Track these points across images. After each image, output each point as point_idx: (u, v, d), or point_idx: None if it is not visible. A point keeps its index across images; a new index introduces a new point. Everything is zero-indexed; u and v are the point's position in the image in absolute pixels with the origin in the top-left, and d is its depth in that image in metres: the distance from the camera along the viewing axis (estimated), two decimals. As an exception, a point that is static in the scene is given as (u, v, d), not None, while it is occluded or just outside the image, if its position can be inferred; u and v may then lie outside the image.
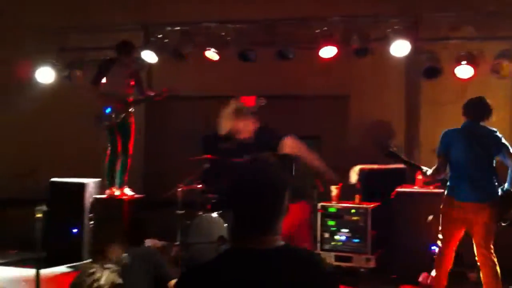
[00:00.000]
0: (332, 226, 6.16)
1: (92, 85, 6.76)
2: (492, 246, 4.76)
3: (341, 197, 6.40)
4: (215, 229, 6.34)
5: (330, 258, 6.06)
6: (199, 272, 1.83)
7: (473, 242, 4.82)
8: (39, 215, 5.03)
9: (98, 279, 2.32)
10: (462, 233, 4.89)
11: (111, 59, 6.83)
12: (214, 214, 6.47)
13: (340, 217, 6.15)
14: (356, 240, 6.04)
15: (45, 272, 6.13)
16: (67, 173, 7.34)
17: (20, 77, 7.99)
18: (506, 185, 4.83)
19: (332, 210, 6.21)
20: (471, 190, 4.77)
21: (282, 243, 1.83)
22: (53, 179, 7.03)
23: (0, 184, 8.33)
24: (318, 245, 6.18)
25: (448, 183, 4.93)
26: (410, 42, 6.78)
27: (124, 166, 6.87)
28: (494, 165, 4.90)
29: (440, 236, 4.94)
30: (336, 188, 6.38)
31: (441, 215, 4.92)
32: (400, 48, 6.77)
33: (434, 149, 7.26)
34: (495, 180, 4.84)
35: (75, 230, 6.80)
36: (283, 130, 7.81)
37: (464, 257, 6.59)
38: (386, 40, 6.86)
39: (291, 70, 7.76)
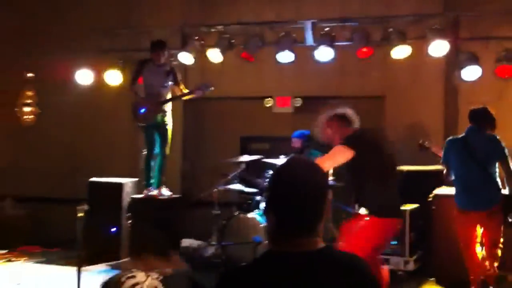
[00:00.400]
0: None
1: (129, 86, 6.86)
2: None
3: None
4: (251, 230, 6.37)
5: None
6: (238, 275, 1.83)
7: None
8: (80, 214, 5.15)
9: (139, 283, 2.31)
10: (475, 232, 4.94)
11: (146, 59, 6.92)
12: (250, 215, 6.50)
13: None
14: (394, 242, 5.97)
15: (85, 270, 6.27)
16: (107, 173, 7.48)
17: (63, 79, 8.17)
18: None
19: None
20: (469, 198, 4.93)
21: (323, 245, 1.82)
22: (92, 179, 7.17)
23: (42, 184, 8.55)
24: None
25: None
26: (450, 42, 6.67)
27: (161, 166, 6.94)
28: (495, 170, 4.97)
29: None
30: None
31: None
32: (439, 48, 6.66)
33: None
34: (495, 186, 4.90)
35: (113, 230, 6.91)
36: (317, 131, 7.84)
37: (507, 261, 6.49)
38: (424, 40, 6.77)
39: (327, 71, 7.73)
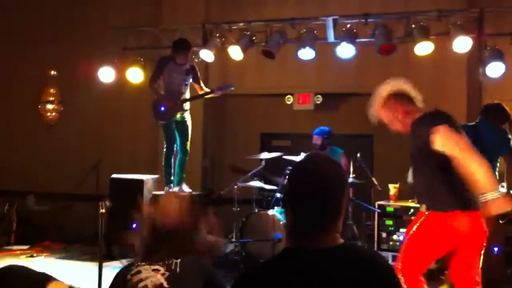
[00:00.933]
0: (390, 226, 6.06)
1: (150, 84, 6.89)
2: None
3: (400, 197, 6.28)
4: (270, 227, 6.36)
5: (387, 258, 5.96)
6: (256, 274, 1.82)
7: None
8: (102, 211, 5.18)
9: (143, 279, 2.26)
10: None
11: (166, 57, 6.94)
12: (270, 212, 6.49)
13: (398, 217, 6.04)
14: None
15: (106, 265, 6.33)
16: (128, 170, 7.54)
17: (85, 76, 8.26)
18: None
19: (390, 209, 6.11)
20: None
21: (341, 241, 1.80)
22: (113, 176, 7.22)
23: (65, 180, 8.66)
24: (375, 244, 6.09)
25: None
26: (473, 38, 6.57)
27: (182, 163, 6.96)
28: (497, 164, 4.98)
29: None
30: (395, 187, 6.27)
31: None
32: (462, 44, 6.56)
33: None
34: None
35: (134, 226, 6.93)
36: (337, 128, 7.81)
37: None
38: (447, 36, 6.68)
39: (348, 68, 7.68)
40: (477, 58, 6.89)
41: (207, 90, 7.00)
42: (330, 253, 1.75)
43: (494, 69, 6.54)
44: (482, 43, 6.72)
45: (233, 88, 6.92)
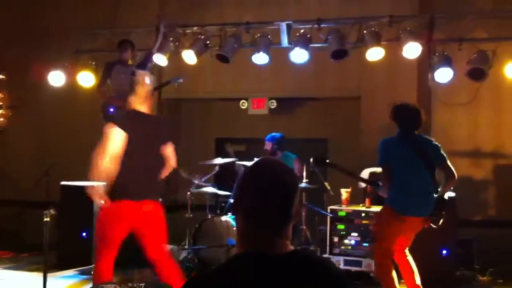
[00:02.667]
0: (342, 230, 6.09)
1: (97, 89, 6.82)
2: None
3: (351, 201, 6.33)
4: (224, 233, 6.33)
5: (339, 262, 6.00)
6: (205, 279, 1.77)
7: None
8: (47, 219, 5.06)
9: None
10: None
11: (111, 61, 6.87)
12: (224, 217, 6.45)
13: (350, 221, 6.08)
14: (366, 244, 5.97)
15: (53, 275, 6.18)
16: (81, 176, 7.36)
17: (37, 79, 8.07)
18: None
19: (342, 214, 6.14)
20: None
21: (292, 247, 1.79)
22: (63, 182, 7.06)
23: (14, 187, 8.43)
24: (328, 249, 6.12)
25: None
26: (423, 44, 6.69)
27: None
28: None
29: None
30: (346, 191, 6.31)
31: None
32: (412, 49, 6.67)
33: (447, 151, 7.21)
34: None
35: (84, 234, 6.82)
36: (292, 132, 7.84)
37: (476, 261, 6.54)
38: (398, 42, 6.78)
39: (303, 72, 7.72)
40: (426, 63, 7.01)
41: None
42: (281, 259, 1.73)
43: (443, 74, 6.67)
44: (431, 49, 6.85)
45: (181, 81, 6.87)
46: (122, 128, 4.25)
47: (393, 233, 4.76)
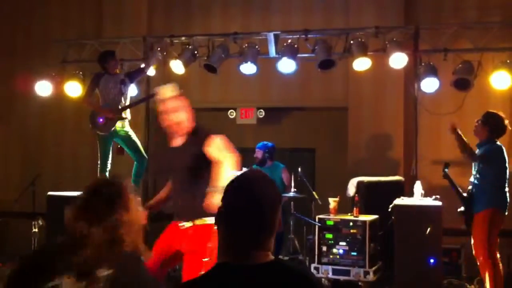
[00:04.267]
0: (330, 239, 6.10)
1: (84, 99, 6.81)
2: None
3: (339, 210, 6.35)
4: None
5: (328, 271, 6.01)
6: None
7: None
8: (35, 230, 5.05)
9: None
10: None
11: (99, 72, 6.86)
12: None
13: (338, 230, 6.08)
14: (354, 253, 5.98)
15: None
16: (69, 186, 7.31)
17: (24, 90, 8.03)
18: None
19: (330, 223, 6.15)
20: None
21: (272, 257, 1.81)
22: (50, 193, 6.99)
23: (1, 196, 8.35)
24: (316, 258, 6.13)
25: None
26: (409, 54, 6.77)
27: (138, 174, 6.83)
28: None
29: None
30: (334, 200, 6.33)
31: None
32: (398, 60, 6.75)
33: (433, 160, 7.28)
34: None
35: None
36: (280, 142, 7.86)
37: (463, 270, 6.59)
38: (385, 52, 6.85)
39: (290, 82, 7.77)
40: (413, 73, 7.09)
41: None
42: (261, 269, 1.75)
43: (429, 84, 6.75)
44: (417, 59, 6.93)
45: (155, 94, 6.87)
46: None
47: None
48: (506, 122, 5.66)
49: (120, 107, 6.69)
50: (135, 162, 6.81)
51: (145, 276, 2.23)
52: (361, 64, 6.90)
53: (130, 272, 2.13)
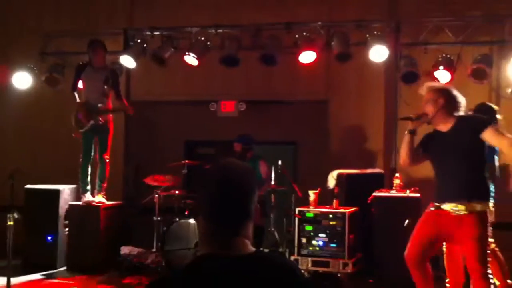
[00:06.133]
0: (310, 231, 6.10)
1: (71, 91, 6.74)
2: None
3: (319, 202, 6.36)
4: (192, 235, 6.30)
5: (307, 263, 6.02)
6: (171, 280, 1.80)
7: None
8: (10, 223, 4.98)
9: None
10: None
11: (82, 63, 6.78)
12: (192, 220, 6.41)
13: (318, 222, 6.09)
14: (334, 245, 5.99)
15: (18, 280, 6.05)
16: (49, 180, 7.24)
17: (1, 82, 7.91)
18: None
19: (309, 215, 6.15)
20: None
21: (253, 249, 1.81)
22: (27, 186, 6.92)
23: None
24: (296, 250, 6.13)
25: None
26: (390, 47, 6.79)
27: (102, 173, 6.78)
28: None
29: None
30: (314, 193, 6.34)
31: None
32: (379, 53, 6.77)
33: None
34: None
35: (50, 238, 6.70)
36: (261, 135, 7.84)
37: (440, 261, 6.62)
38: (366, 45, 6.86)
39: (272, 75, 7.75)
40: (393, 66, 7.11)
41: (120, 105, 6.82)
42: (243, 260, 1.75)
43: (409, 77, 6.78)
44: (397, 53, 6.96)
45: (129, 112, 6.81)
46: None
47: None
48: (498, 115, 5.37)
49: (98, 106, 6.59)
50: (100, 166, 6.73)
51: None
52: (343, 57, 6.91)
53: None
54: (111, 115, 6.80)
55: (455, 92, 4.33)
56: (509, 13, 6.84)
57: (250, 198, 1.83)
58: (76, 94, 6.77)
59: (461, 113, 4.27)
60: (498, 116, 5.37)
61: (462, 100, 4.29)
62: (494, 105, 5.59)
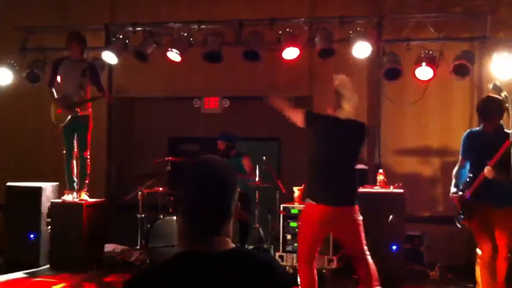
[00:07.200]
0: (295, 228, 6.12)
1: (48, 87, 6.64)
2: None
3: (303, 199, 6.36)
4: (176, 233, 6.26)
5: (292, 259, 6.03)
6: (149, 277, 1.76)
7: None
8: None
9: None
10: None
11: (61, 57, 6.70)
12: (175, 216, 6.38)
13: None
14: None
15: (0, 279, 5.98)
16: (27, 177, 7.15)
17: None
18: None
19: (294, 211, 6.18)
20: None
21: (233, 245, 1.80)
22: (9, 183, 6.83)
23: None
24: (281, 246, 6.15)
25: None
26: (372, 44, 6.80)
27: (82, 169, 6.70)
28: None
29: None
30: (299, 189, 6.35)
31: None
32: (361, 49, 6.78)
33: (396, 149, 7.36)
34: None
35: (32, 236, 6.62)
36: (245, 131, 7.84)
37: (425, 256, 6.70)
38: (349, 41, 6.87)
39: (255, 71, 7.73)
40: (376, 63, 7.14)
41: (101, 94, 6.75)
42: (222, 257, 1.74)
43: (392, 74, 6.81)
44: (380, 49, 6.98)
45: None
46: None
47: None
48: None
49: (74, 99, 6.51)
50: (80, 163, 6.65)
51: None
52: (326, 53, 6.91)
53: None
54: (90, 110, 6.70)
55: None
56: (489, 9, 6.91)
57: (229, 195, 1.80)
58: (53, 90, 6.68)
59: None
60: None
61: None
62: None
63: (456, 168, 5.08)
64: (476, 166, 4.79)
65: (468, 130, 5.12)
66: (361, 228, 4.51)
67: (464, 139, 5.03)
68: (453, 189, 5.02)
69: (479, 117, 5.01)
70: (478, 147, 4.84)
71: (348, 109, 4.67)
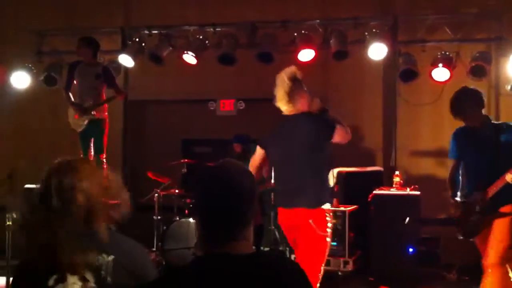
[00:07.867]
0: (310, 230, 6.09)
1: (64, 91, 6.70)
2: None
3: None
4: (192, 235, 6.29)
5: (307, 261, 6.01)
6: (169, 280, 1.78)
7: None
8: (9, 223, 4.96)
9: None
10: None
11: (76, 61, 6.75)
12: (192, 219, 6.41)
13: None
14: (334, 243, 5.99)
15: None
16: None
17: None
18: None
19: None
20: None
21: (252, 249, 1.81)
22: (27, 185, 6.89)
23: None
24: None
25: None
26: (388, 45, 6.78)
27: None
28: None
29: None
30: (314, 191, 6.32)
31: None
32: (377, 51, 6.76)
33: (412, 151, 7.32)
34: None
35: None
36: (260, 133, 7.81)
37: (441, 258, 6.65)
38: (364, 43, 6.86)
39: (270, 74, 7.70)
40: (391, 64, 7.10)
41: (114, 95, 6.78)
42: (241, 260, 1.74)
43: (407, 75, 6.78)
44: (396, 50, 6.95)
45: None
46: None
47: None
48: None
49: (90, 103, 6.54)
50: (96, 163, 6.69)
51: (144, 258, 2.17)
52: (341, 55, 6.91)
53: (130, 255, 2.08)
54: (107, 114, 6.73)
55: None
56: (506, 9, 6.85)
57: (246, 201, 1.79)
58: (70, 94, 6.73)
59: None
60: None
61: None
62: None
63: (450, 172, 4.52)
64: (474, 166, 4.32)
65: (456, 128, 4.51)
66: (318, 241, 3.88)
67: (454, 137, 4.48)
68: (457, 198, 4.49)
69: (455, 116, 4.40)
70: (473, 145, 4.32)
71: (284, 108, 4.28)
